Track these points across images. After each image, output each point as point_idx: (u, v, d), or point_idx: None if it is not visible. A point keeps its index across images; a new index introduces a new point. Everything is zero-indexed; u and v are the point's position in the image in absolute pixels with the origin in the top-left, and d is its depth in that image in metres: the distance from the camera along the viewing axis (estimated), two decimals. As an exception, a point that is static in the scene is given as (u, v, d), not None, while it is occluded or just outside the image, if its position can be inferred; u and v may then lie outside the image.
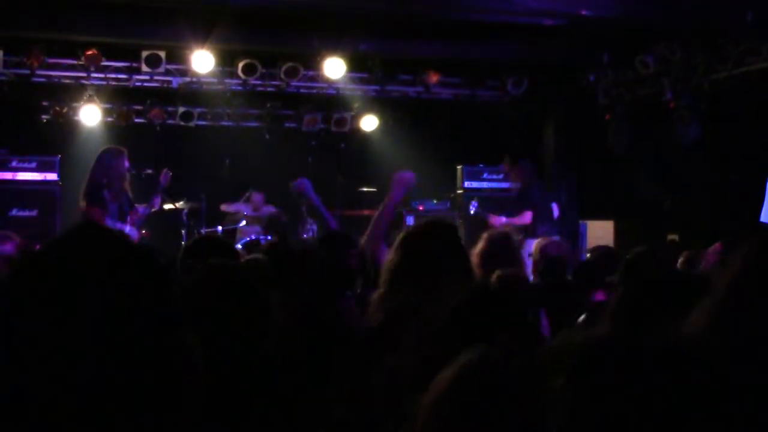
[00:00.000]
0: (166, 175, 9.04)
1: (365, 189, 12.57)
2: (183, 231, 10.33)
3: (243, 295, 2.53)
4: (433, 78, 11.79)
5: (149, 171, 9.36)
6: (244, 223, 11.16)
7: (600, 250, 5.96)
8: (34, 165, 11.09)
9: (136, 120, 12.18)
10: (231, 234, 10.90)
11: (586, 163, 11.65)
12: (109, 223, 8.23)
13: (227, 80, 11.64)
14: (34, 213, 10.87)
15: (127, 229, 8.43)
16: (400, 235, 3.20)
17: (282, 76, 11.47)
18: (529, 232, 9.19)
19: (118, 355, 1.25)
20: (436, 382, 1.66)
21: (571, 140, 12.01)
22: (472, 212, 10.18)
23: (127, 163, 8.64)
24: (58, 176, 11.06)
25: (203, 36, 10.47)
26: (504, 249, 5.07)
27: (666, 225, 10.66)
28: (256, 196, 11.55)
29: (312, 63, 11.37)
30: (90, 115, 11.62)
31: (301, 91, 12.16)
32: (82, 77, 11.23)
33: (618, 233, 11.11)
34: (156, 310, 1.32)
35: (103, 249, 1.33)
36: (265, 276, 3.27)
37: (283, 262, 3.81)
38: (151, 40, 10.75)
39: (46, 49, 10.65)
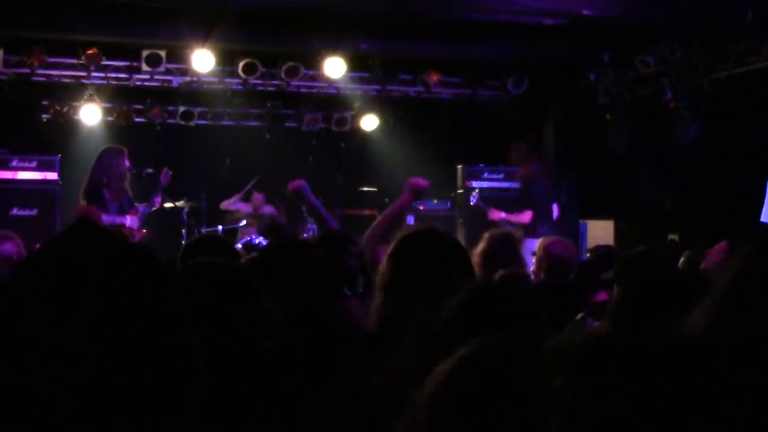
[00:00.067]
0: (166, 175, 9.05)
1: (365, 189, 12.58)
2: (183, 230, 10.34)
3: (241, 295, 2.53)
4: (434, 78, 11.79)
5: (149, 170, 9.36)
6: (244, 222, 11.17)
7: (600, 250, 5.96)
8: (34, 164, 11.08)
9: (137, 119, 12.18)
10: (231, 234, 10.91)
11: (586, 162, 11.65)
12: (108, 218, 8.24)
13: (228, 80, 11.64)
14: (34, 212, 10.86)
15: (128, 221, 8.43)
16: (391, 246, 3.20)
17: (282, 75, 11.47)
18: (528, 231, 9.19)
19: (118, 355, 1.25)
20: (435, 373, 1.66)
21: (572, 140, 12.00)
22: (472, 203, 10.18)
23: (127, 163, 8.65)
24: (59, 176, 11.06)
25: (204, 35, 10.46)
26: (505, 249, 5.07)
27: (666, 225, 10.66)
28: (257, 196, 11.56)
29: (312, 62, 11.37)
30: (90, 114, 11.62)
31: (302, 90, 12.15)
32: (83, 76, 11.22)
33: (618, 233, 11.11)
34: (156, 309, 1.32)
35: (102, 248, 1.33)
36: (265, 275, 3.26)
37: (283, 261, 3.81)
38: (152, 39, 10.75)
39: (46, 48, 10.64)
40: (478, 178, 12.19)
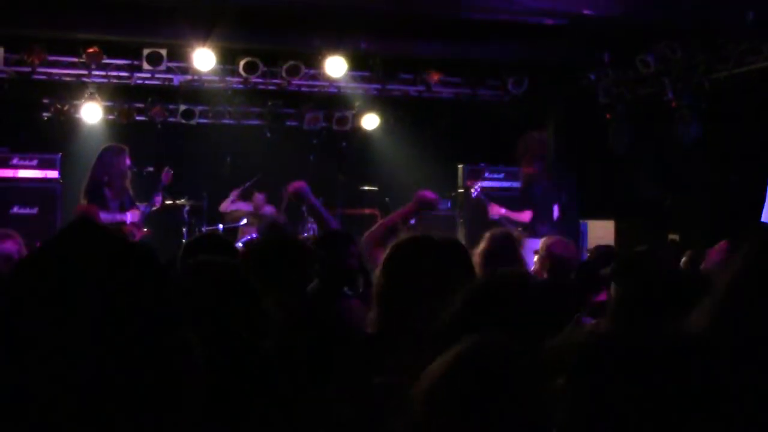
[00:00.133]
0: (167, 174, 9.05)
1: (366, 188, 12.58)
2: (184, 229, 10.35)
3: (241, 294, 2.53)
4: (434, 77, 11.79)
5: (150, 169, 9.37)
6: (245, 221, 11.17)
7: (600, 250, 5.95)
8: (34, 163, 11.08)
9: (138, 118, 12.18)
10: (232, 233, 10.91)
11: (586, 162, 11.64)
12: (108, 216, 8.24)
13: (228, 78, 11.64)
14: (34, 211, 10.86)
15: (128, 218, 8.43)
16: (384, 255, 3.20)
17: (283, 74, 11.47)
18: (528, 231, 9.18)
19: (118, 354, 1.25)
20: (430, 370, 1.66)
21: (572, 140, 12.00)
22: (474, 196, 10.17)
23: (128, 161, 8.65)
24: (59, 174, 11.06)
25: (205, 34, 10.46)
26: (505, 248, 5.07)
27: (666, 225, 10.66)
28: (258, 197, 11.56)
29: (313, 61, 11.38)
30: (91, 112, 11.62)
31: (303, 89, 12.15)
32: (84, 75, 11.23)
33: (618, 233, 11.11)
34: (156, 309, 1.32)
35: (102, 247, 1.33)
36: (264, 274, 3.26)
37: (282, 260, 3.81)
38: (153, 37, 10.75)
39: (47, 46, 10.65)
40: (479, 177, 12.19)
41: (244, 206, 11.51)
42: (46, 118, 11.84)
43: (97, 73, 11.18)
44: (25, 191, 10.94)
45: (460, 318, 2.51)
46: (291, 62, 11.33)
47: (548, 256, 5.65)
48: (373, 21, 10.10)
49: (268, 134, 12.56)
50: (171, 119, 12.25)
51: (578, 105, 11.75)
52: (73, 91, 11.62)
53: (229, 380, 1.73)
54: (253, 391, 1.76)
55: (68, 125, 11.85)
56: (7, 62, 10.74)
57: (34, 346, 1.24)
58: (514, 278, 3.90)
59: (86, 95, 11.53)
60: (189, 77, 11.48)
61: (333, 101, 12.67)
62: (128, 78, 11.39)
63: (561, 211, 9.60)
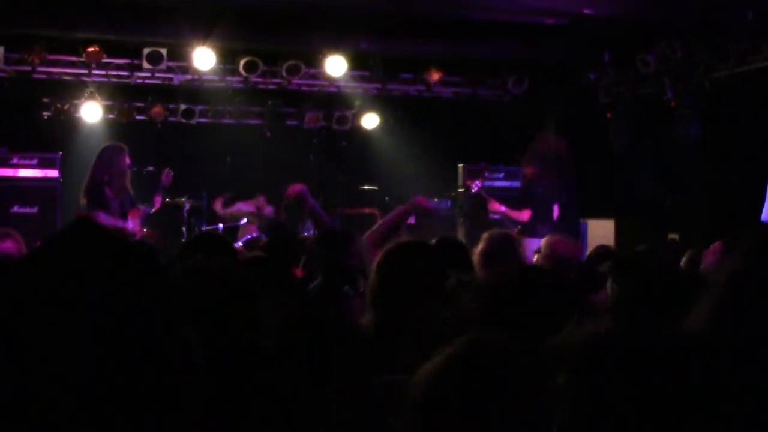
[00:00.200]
0: (168, 175, 9.04)
1: (366, 187, 12.57)
2: (184, 228, 10.34)
3: (238, 297, 2.53)
4: (435, 76, 11.79)
5: (150, 168, 9.36)
6: (245, 221, 11.17)
7: (600, 250, 5.95)
8: (35, 162, 11.08)
9: (138, 117, 12.18)
10: (232, 232, 10.91)
11: (586, 162, 11.63)
12: (109, 221, 8.23)
13: (228, 78, 11.64)
14: (34, 210, 10.87)
15: (129, 225, 8.42)
16: (377, 259, 3.21)
17: (283, 73, 11.47)
18: (528, 231, 9.18)
19: (118, 354, 1.25)
20: (424, 370, 1.66)
21: (572, 139, 11.99)
22: (473, 191, 10.17)
23: (128, 160, 8.64)
24: (59, 173, 11.06)
25: (205, 33, 10.47)
26: (504, 249, 5.06)
27: (666, 224, 10.65)
28: (260, 198, 11.55)
29: (313, 61, 11.38)
30: (91, 112, 11.62)
31: (303, 88, 12.15)
32: (84, 74, 11.23)
33: (618, 232, 11.10)
34: (155, 309, 1.32)
35: (101, 247, 1.33)
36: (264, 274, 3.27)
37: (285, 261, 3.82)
38: (153, 37, 10.76)
39: (47, 45, 10.65)
40: (479, 177, 12.18)
41: (244, 206, 11.50)
42: (46, 118, 11.83)
43: (97, 72, 11.18)
44: (25, 190, 10.94)
45: (461, 317, 2.51)
46: (291, 62, 11.33)
47: (551, 254, 5.64)
48: (373, 20, 10.10)
49: (268, 133, 12.55)
50: (171, 118, 12.24)
51: (578, 104, 11.75)
52: (74, 90, 11.61)
53: (229, 380, 1.73)
54: (252, 391, 1.76)
55: (68, 124, 11.84)
56: (7, 61, 10.74)
57: (34, 345, 1.24)
58: (514, 278, 3.90)
59: (86, 94, 11.53)
60: (189, 76, 11.48)
61: (333, 101, 12.66)
62: (128, 77, 11.39)
63: (561, 210, 9.59)
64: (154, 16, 9.99)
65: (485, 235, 5.23)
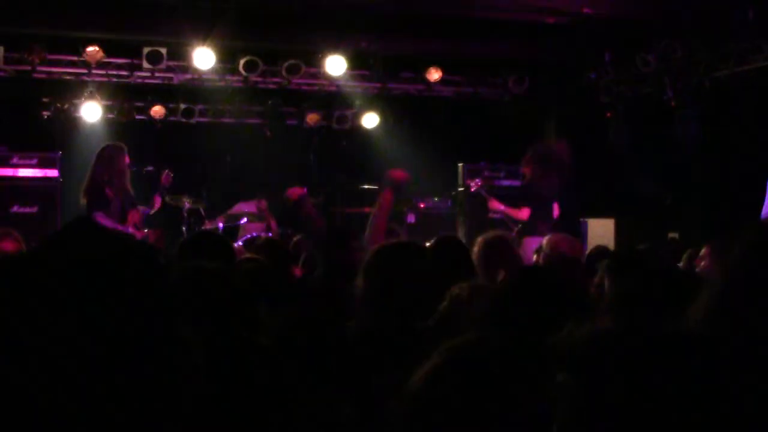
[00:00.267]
0: (167, 177, 9.04)
1: (366, 186, 12.56)
2: (184, 228, 10.33)
3: (239, 295, 2.53)
4: (434, 74, 11.79)
5: (150, 168, 9.36)
6: (245, 220, 11.16)
7: (598, 249, 5.95)
8: (34, 161, 11.08)
9: (137, 117, 12.17)
10: (233, 231, 10.90)
11: (586, 161, 11.63)
12: (109, 220, 8.23)
13: (228, 77, 11.63)
14: (34, 210, 10.86)
15: (129, 225, 8.43)
16: (364, 262, 3.21)
17: (283, 73, 11.47)
18: (528, 230, 9.17)
19: (118, 354, 1.25)
20: (419, 372, 1.66)
21: (572, 138, 11.99)
22: (473, 189, 10.16)
23: (127, 160, 8.64)
24: (59, 173, 11.05)
25: (204, 33, 10.47)
26: (499, 252, 5.04)
27: (667, 223, 10.65)
28: (262, 203, 11.53)
29: (313, 60, 11.38)
30: (91, 111, 11.61)
31: (303, 88, 12.16)
32: (84, 74, 11.23)
33: (619, 232, 11.10)
34: (155, 308, 1.32)
35: (101, 247, 1.33)
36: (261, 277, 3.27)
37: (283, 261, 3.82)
38: (153, 36, 10.76)
39: (47, 45, 10.65)
40: (479, 176, 12.19)
41: (245, 206, 11.49)
42: (46, 117, 11.82)
43: (97, 71, 11.18)
44: (25, 190, 10.93)
45: (460, 317, 2.52)
46: (291, 61, 11.33)
47: (553, 253, 5.63)
48: (374, 19, 10.10)
49: (268, 133, 12.55)
50: (171, 118, 12.24)
51: (579, 104, 11.75)
52: (73, 89, 11.61)
53: (229, 380, 1.73)
54: (252, 391, 1.76)
55: (68, 124, 11.84)
56: (7, 61, 10.74)
57: (34, 345, 1.24)
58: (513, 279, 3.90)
59: (86, 94, 11.53)
60: (189, 76, 11.48)
61: (333, 100, 12.66)
62: (128, 77, 11.39)
63: (561, 209, 9.58)
64: (154, 16, 9.99)
65: (479, 240, 5.22)
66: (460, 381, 1.62)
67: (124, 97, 11.96)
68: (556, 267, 5.50)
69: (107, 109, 11.87)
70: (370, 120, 12.83)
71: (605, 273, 3.45)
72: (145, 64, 11.00)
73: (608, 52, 10.95)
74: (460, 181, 12.22)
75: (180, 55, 11.05)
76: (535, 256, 6.08)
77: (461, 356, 1.67)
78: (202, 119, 12.41)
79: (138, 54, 10.96)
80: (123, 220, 8.40)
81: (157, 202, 9.01)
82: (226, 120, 12.54)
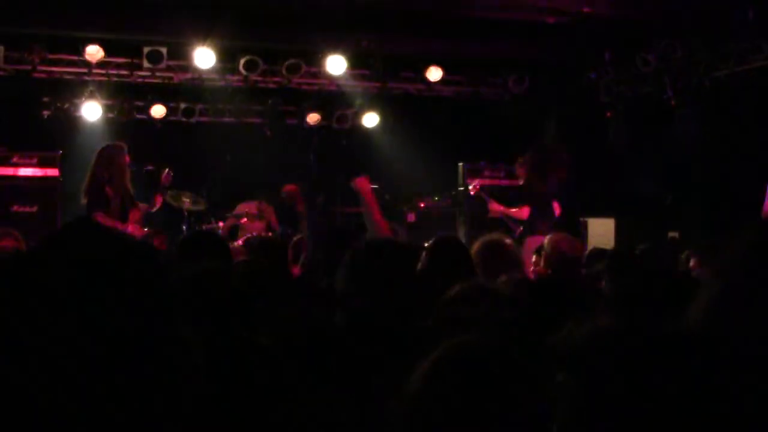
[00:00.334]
0: (167, 176, 9.03)
1: (366, 186, 12.54)
2: (184, 228, 10.33)
3: (238, 295, 2.53)
4: (434, 74, 11.78)
5: (150, 168, 9.36)
6: (245, 220, 11.16)
7: (596, 250, 5.96)
8: (35, 161, 11.07)
9: (138, 116, 12.17)
10: (233, 231, 10.90)
11: (587, 160, 11.64)
12: (109, 219, 8.22)
13: (229, 76, 11.64)
14: (34, 209, 10.86)
15: (129, 224, 8.42)
16: (346, 257, 3.20)
17: (284, 72, 11.48)
18: (529, 229, 9.17)
19: (118, 354, 1.25)
20: (416, 372, 1.66)
21: (572, 138, 12.00)
22: (472, 193, 10.16)
23: (128, 159, 8.64)
24: (59, 172, 11.05)
25: (205, 32, 10.47)
26: (498, 254, 5.04)
27: (667, 223, 10.66)
28: (263, 202, 11.54)
29: (314, 59, 11.38)
30: (91, 111, 11.62)
31: (303, 87, 12.16)
32: (84, 73, 11.23)
33: (619, 231, 11.10)
34: (155, 308, 1.32)
35: (101, 247, 1.33)
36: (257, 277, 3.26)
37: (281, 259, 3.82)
38: (153, 36, 10.76)
39: (47, 45, 10.65)
40: (479, 175, 12.20)
41: (245, 206, 11.48)
42: (46, 117, 11.82)
43: (97, 71, 11.18)
44: (26, 189, 10.93)
45: (457, 317, 2.51)
46: (291, 60, 11.34)
47: (554, 253, 5.63)
48: (374, 19, 10.11)
49: (269, 132, 12.55)
50: (171, 117, 12.24)
51: (579, 103, 11.75)
52: (74, 89, 11.61)
53: (229, 380, 1.73)
54: (252, 391, 1.76)
55: (68, 123, 11.84)
56: (7, 60, 10.75)
57: (34, 345, 1.24)
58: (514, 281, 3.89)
59: (86, 93, 11.53)
60: (189, 75, 11.48)
61: (333, 99, 12.66)
62: (128, 76, 11.39)
63: (561, 208, 9.58)
64: (155, 15, 10.00)
65: (477, 242, 5.21)
66: (460, 381, 1.62)
67: (125, 97, 11.96)
68: (556, 267, 5.51)
69: (107, 108, 11.87)
70: (371, 119, 12.83)
71: (605, 273, 3.46)
72: (146, 64, 11.00)
73: (608, 52, 10.95)
74: (460, 181, 12.22)
75: (180, 54, 11.05)
76: (534, 256, 6.08)
77: (461, 356, 1.67)
78: (202, 119, 12.41)
79: (138, 53, 10.96)
80: (123, 219, 8.38)
81: (158, 201, 9.01)
82: (227, 119, 12.54)
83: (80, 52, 10.77)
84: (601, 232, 10.94)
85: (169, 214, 10.41)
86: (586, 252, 6.37)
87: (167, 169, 9.05)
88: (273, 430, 1.74)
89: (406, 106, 12.81)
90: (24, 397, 1.22)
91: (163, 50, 10.88)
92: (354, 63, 11.38)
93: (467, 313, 2.54)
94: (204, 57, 10.74)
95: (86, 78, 11.32)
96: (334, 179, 11.79)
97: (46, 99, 11.75)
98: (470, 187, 10.23)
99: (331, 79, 11.74)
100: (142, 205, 8.75)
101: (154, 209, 9.05)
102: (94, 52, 10.70)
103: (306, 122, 12.66)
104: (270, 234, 10.32)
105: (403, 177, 12.09)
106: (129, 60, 11.17)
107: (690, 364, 1.30)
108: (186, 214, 10.48)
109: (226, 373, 1.71)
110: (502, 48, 11.19)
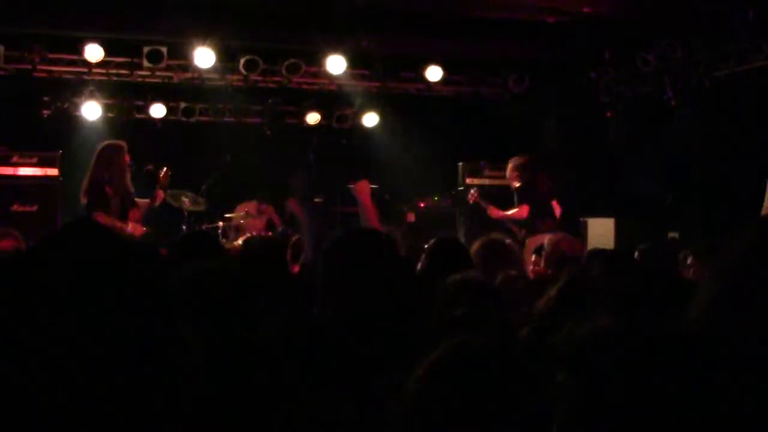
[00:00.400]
0: (166, 175, 9.03)
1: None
2: (184, 227, 10.34)
3: (238, 294, 2.53)
4: (434, 73, 11.77)
5: (149, 167, 9.36)
6: (245, 220, 11.16)
7: (594, 252, 5.95)
8: (35, 160, 11.07)
9: (138, 116, 12.18)
10: (233, 231, 10.90)
11: (586, 160, 11.64)
12: (109, 219, 8.22)
13: (229, 76, 11.64)
14: (34, 209, 10.86)
15: (129, 224, 8.42)
16: (324, 248, 3.19)
17: (284, 72, 11.48)
18: (529, 229, 9.17)
19: (118, 354, 1.25)
20: (416, 372, 1.66)
21: (572, 137, 12.00)
22: (471, 201, 10.17)
23: (127, 158, 8.63)
24: (59, 172, 11.05)
25: (205, 32, 10.47)
26: (498, 254, 5.04)
27: (667, 223, 10.65)
28: (268, 209, 11.56)
29: (314, 59, 11.38)
30: (91, 110, 11.63)
31: (303, 87, 12.16)
32: (84, 72, 11.24)
33: (619, 231, 11.10)
34: (155, 308, 1.32)
35: (101, 247, 1.33)
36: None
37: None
38: (153, 35, 10.76)
39: (47, 44, 10.66)
40: (479, 175, 12.21)
41: (245, 207, 11.49)
42: (46, 116, 11.83)
43: (97, 70, 11.18)
44: (25, 189, 10.93)
45: (456, 318, 2.52)
46: (291, 60, 11.34)
47: (554, 252, 5.63)
48: (374, 19, 10.10)
49: (268, 132, 12.55)
50: (171, 117, 12.24)
51: (579, 103, 11.75)
52: (74, 88, 11.62)
53: (229, 380, 1.73)
54: (252, 391, 1.76)
55: (68, 123, 11.84)
56: (7, 60, 10.75)
57: (34, 345, 1.24)
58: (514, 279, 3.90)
59: (86, 93, 11.54)
60: (189, 75, 11.48)
61: (333, 99, 12.67)
62: (128, 76, 11.40)
63: (561, 207, 9.59)
64: (155, 15, 10.00)
65: (476, 243, 5.22)
66: (460, 381, 1.62)
67: (124, 96, 11.97)
68: (557, 267, 5.51)
69: (107, 108, 11.88)
70: (371, 119, 12.83)
71: (605, 273, 3.46)
72: (146, 63, 11.01)
73: (608, 52, 10.95)
74: (460, 181, 12.22)
75: (180, 54, 11.05)
76: (534, 256, 6.08)
77: (461, 356, 1.67)
78: (202, 118, 12.42)
79: (138, 53, 10.97)
80: (123, 219, 8.38)
81: (160, 196, 9.00)
82: (227, 119, 12.54)
83: (80, 51, 10.77)
84: (601, 232, 10.94)
85: (169, 214, 10.41)
86: (586, 252, 6.37)
87: (165, 168, 9.06)
88: (273, 430, 1.74)
89: (406, 106, 12.81)
90: (24, 397, 1.22)
91: (163, 50, 10.88)
92: (354, 63, 11.38)
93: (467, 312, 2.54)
94: (204, 57, 10.74)
95: (86, 77, 11.33)
96: (334, 179, 11.80)
97: (46, 98, 11.76)
98: (468, 196, 10.23)
99: (331, 79, 11.74)
100: (144, 201, 8.74)
101: (157, 203, 9.03)
102: (94, 51, 10.69)
103: (306, 122, 12.67)
104: (270, 233, 10.32)
105: (403, 177, 12.09)
106: (129, 59, 11.17)
107: (690, 364, 1.30)
108: (186, 214, 10.48)
109: (226, 373, 1.71)
110: (502, 48, 11.19)
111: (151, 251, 1.37)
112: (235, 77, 11.63)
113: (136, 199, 8.67)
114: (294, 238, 8.23)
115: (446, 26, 10.52)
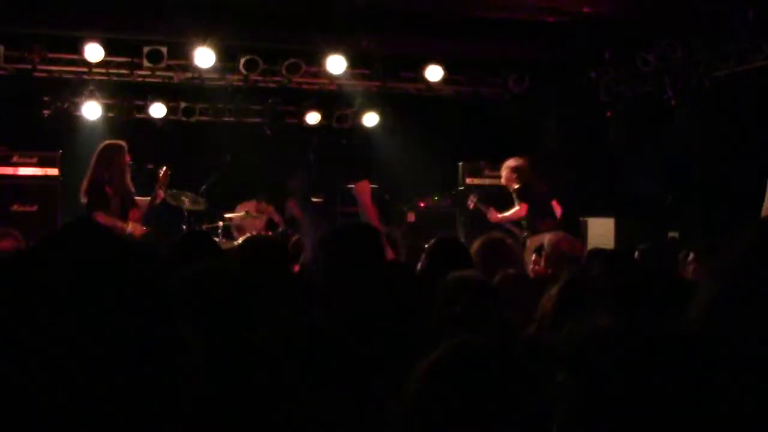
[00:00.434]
0: (165, 175, 9.03)
1: (366, 186, 12.55)
2: (184, 227, 10.33)
3: (238, 294, 2.53)
4: (435, 73, 11.77)
5: (149, 167, 9.35)
6: (245, 220, 11.16)
7: (594, 252, 5.95)
8: (35, 160, 11.07)
9: (138, 115, 12.18)
10: (233, 231, 10.91)
11: (587, 160, 11.64)
12: (109, 219, 8.22)
13: (229, 76, 11.64)
14: (34, 208, 10.86)
15: (129, 224, 8.42)
16: (318, 240, 3.19)
17: (284, 72, 11.48)
18: (531, 229, 9.17)
19: (118, 354, 1.25)
20: (416, 372, 1.66)
21: (572, 137, 12.00)
22: (471, 207, 10.17)
23: (127, 158, 8.63)
24: (59, 172, 11.05)
25: (205, 31, 10.47)
26: (496, 253, 5.04)
27: (667, 223, 10.65)
28: (269, 209, 11.56)
29: (314, 59, 11.38)
30: (91, 110, 11.63)
31: (303, 87, 12.16)
32: (84, 72, 11.24)
33: (619, 231, 11.10)
34: (155, 308, 1.32)
35: (101, 247, 1.33)
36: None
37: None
38: (153, 35, 10.76)
39: (47, 44, 10.65)
40: (479, 175, 12.20)
41: (245, 206, 11.49)
42: (46, 116, 11.82)
43: (97, 70, 11.18)
44: (26, 189, 10.93)
45: (456, 317, 2.51)
46: (291, 60, 11.34)
47: (555, 252, 5.63)
48: (374, 19, 10.10)
49: (269, 132, 12.55)
50: (171, 117, 12.24)
51: (579, 103, 11.75)
52: (74, 88, 11.62)
53: (229, 380, 1.73)
54: (252, 391, 1.76)
55: (68, 123, 11.84)
56: (7, 60, 10.75)
57: (34, 345, 1.24)
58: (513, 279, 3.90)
59: (86, 93, 11.54)
60: (189, 75, 11.48)
61: (333, 99, 12.66)
62: (129, 75, 11.40)
63: (561, 208, 9.59)
64: (155, 15, 10.00)
65: (477, 241, 5.22)
66: (460, 381, 1.62)
67: (125, 96, 11.97)
68: (557, 267, 5.51)
69: (107, 107, 11.88)
70: (371, 119, 12.83)
71: (605, 273, 3.45)
72: (146, 63, 11.01)
73: (608, 52, 10.95)
74: (460, 181, 12.22)
75: (180, 53, 11.05)
76: (534, 256, 6.08)
77: (461, 356, 1.67)
78: (202, 118, 12.41)
79: (138, 53, 10.96)
80: (123, 218, 8.38)
81: (160, 195, 8.99)
82: (227, 119, 12.54)
83: (80, 51, 10.77)
84: (601, 232, 10.94)
85: (169, 214, 10.41)
86: (586, 252, 6.37)
87: (165, 168, 9.05)
88: (273, 430, 1.74)
89: (406, 106, 12.81)
90: (24, 397, 1.22)
91: (163, 50, 10.88)
92: (354, 63, 11.38)
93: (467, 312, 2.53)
94: (204, 57, 10.74)
95: (86, 77, 11.33)
96: (334, 179, 11.80)
97: (46, 98, 11.75)
98: (468, 203, 10.23)
99: (331, 78, 11.74)
100: (145, 199, 8.74)
101: (157, 202, 9.03)
102: (94, 51, 10.69)
103: (306, 122, 12.66)
104: (270, 233, 10.33)
105: (403, 177, 12.09)
106: (129, 59, 11.17)
107: (690, 364, 1.30)
108: (186, 214, 10.48)
109: (226, 373, 1.71)
110: (502, 48, 11.18)
111: (151, 251, 1.36)
112: (235, 77, 11.63)
113: (136, 198, 8.67)
114: (294, 238, 8.24)
115: (446, 26, 10.52)
